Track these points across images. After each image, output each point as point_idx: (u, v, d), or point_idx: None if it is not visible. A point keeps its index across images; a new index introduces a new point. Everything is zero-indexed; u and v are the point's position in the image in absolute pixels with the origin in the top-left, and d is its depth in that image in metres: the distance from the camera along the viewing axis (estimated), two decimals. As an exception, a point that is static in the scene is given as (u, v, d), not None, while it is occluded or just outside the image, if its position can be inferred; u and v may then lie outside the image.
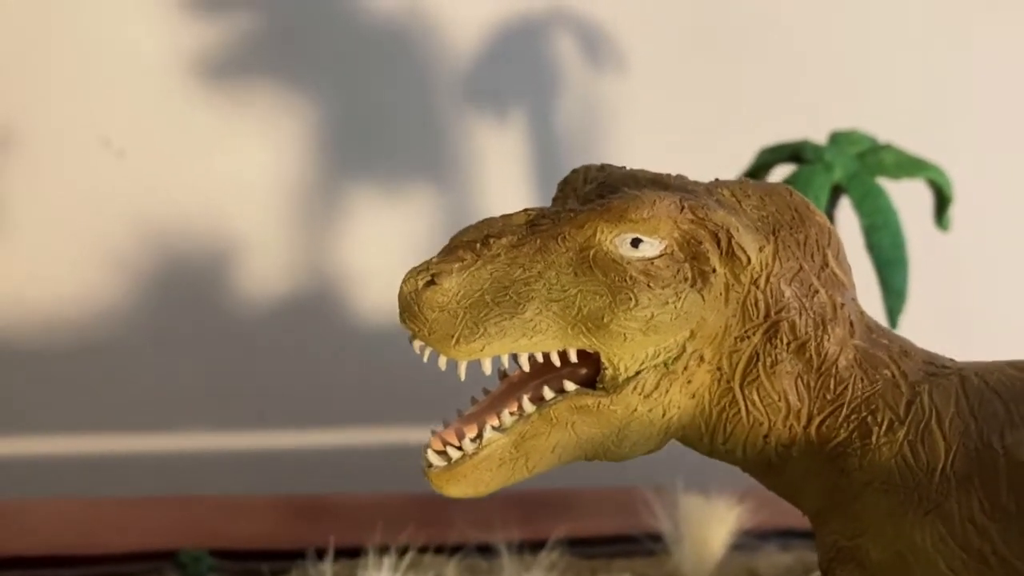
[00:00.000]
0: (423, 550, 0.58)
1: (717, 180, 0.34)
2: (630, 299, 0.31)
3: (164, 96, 0.90)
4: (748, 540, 0.66)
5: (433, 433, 0.34)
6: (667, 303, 0.31)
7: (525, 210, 0.33)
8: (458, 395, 1.09)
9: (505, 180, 0.97)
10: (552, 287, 0.32)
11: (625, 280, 0.31)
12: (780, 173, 0.60)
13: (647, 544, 0.68)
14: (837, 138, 0.57)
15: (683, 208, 0.32)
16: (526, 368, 0.33)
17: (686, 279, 0.32)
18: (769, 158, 0.59)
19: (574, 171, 0.35)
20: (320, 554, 0.67)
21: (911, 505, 0.30)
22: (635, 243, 0.32)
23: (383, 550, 0.55)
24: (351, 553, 0.64)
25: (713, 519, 0.64)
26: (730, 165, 0.96)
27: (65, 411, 0.92)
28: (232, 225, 0.93)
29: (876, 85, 0.98)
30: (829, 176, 0.54)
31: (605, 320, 0.31)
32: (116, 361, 0.92)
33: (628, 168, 0.34)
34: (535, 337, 0.32)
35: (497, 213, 1.02)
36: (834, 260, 0.33)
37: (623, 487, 0.68)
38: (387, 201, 0.96)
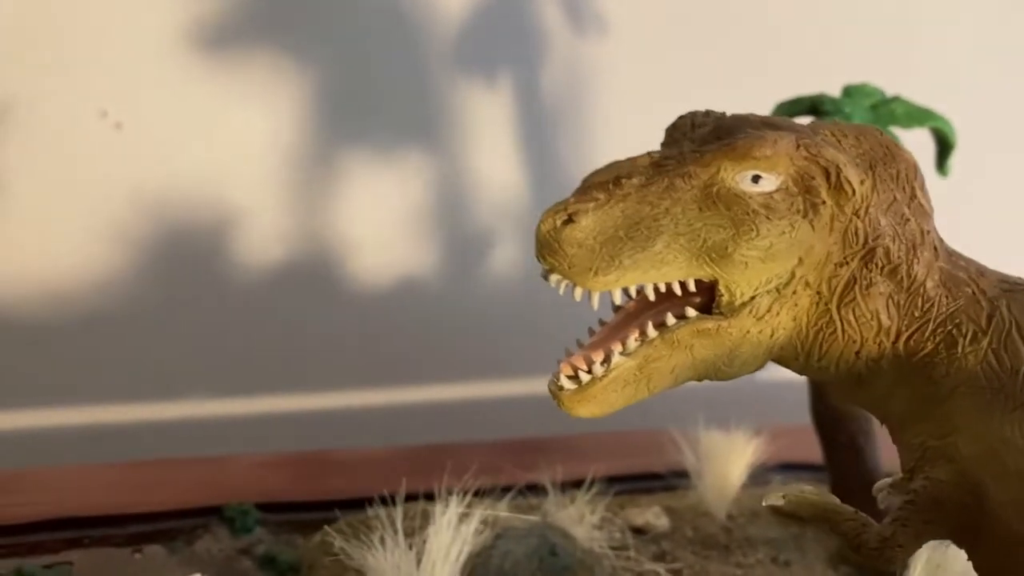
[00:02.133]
0: (478, 493, 0.61)
1: (815, 122, 0.38)
2: (752, 230, 0.35)
3: (160, 67, 0.90)
4: (762, 472, 0.71)
5: (562, 360, 0.37)
6: (783, 233, 0.35)
7: (648, 153, 0.37)
8: (455, 353, 1.12)
9: (495, 144, 1.00)
10: (679, 222, 0.35)
11: (747, 213, 0.35)
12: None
13: (672, 480, 0.73)
14: (851, 91, 0.62)
15: (799, 146, 0.35)
16: (651, 298, 0.36)
17: (799, 211, 0.35)
18: (786, 111, 0.62)
19: (681, 117, 0.38)
20: (359, 504, 0.70)
21: (998, 404, 0.35)
22: (755, 179, 0.35)
23: (448, 492, 0.58)
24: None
25: (732, 454, 0.69)
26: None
27: (69, 382, 0.93)
28: (230, 194, 0.94)
29: (857, 47, 1.03)
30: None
31: (728, 250, 0.35)
32: (119, 331, 0.93)
33: (733, 113, 0.38)
34: (663, 268, 0.35)
35: (487, 175, 1.05)
36: (920, 192, 0.37)
37: (650, 429, 0.72)
38: (382, 167, 0.98)
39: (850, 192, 0.36)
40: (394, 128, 0.97)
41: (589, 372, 0.37)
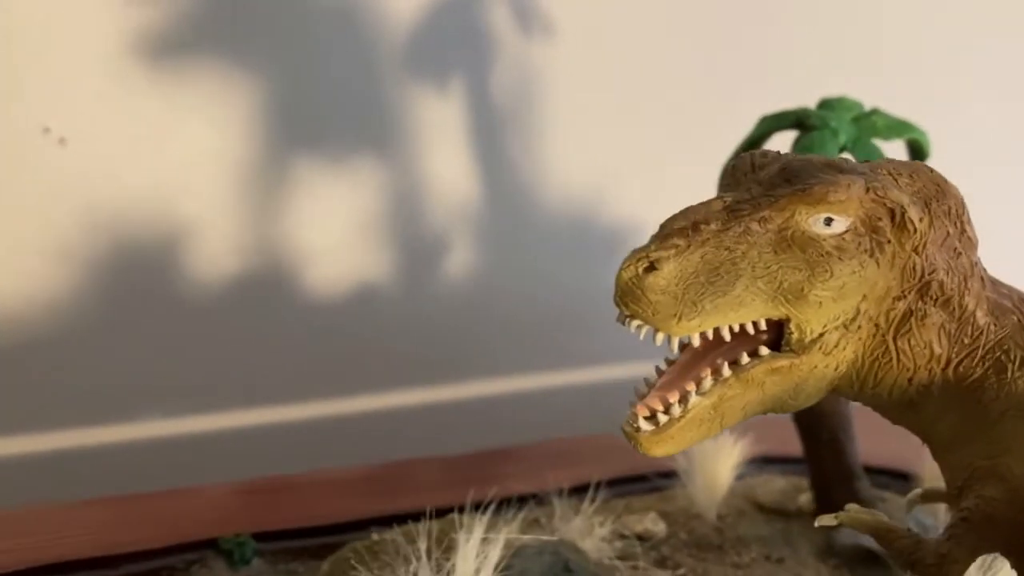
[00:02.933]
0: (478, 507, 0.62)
1: (873, 162, 0.39)
2: (826, 271, 0.36)
3: (104, 80, 0.87)
4: (748, 469, 0.73)
5: (634, 403, 0.38)
6: (854, 272, 0.37)
7: (720, 197, 0.37)
8: (408, 367, 1.12)
9: (447, 148, 0.99)
10: (756, 265, 0.36)
11: (821, 255, 0.36)
12: (780, 140, 0.65)
13: (661, 482, 0.75)
14: (832, 104, 0.64)
15: (868, 189, 0.37)
16: (727, 338, 0.37)
17: (867, 250, 0.37)
18: (772, 125, 0.64)
19: (740, 158, 0.39)
20: (359, 526, 0.69)
21: None
22: (828, 221, 0.37)
23: (460, 509, 0.58)
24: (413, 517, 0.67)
25: (720, 454, 0.71)
26: (654, 127, 1.03)
27: (15, 410, 0.89)
28: (181, 208, 0.92)
29: (808, 53, 1.06)
30: (836, 141, 0.61)
31: (804, 291, 0.36)
32: (69, 354, 0.90)
33: (787, 152, 0.39)
34: (741, 310, 0.36)
35: (439, 180, 1.04)
36: (968, 225, 0.39)
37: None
38: (335, 175, 0.96)
39: (912, 230, 0.37)
40: (345, 136, 0.96)
41: (666, 413, 0.38)
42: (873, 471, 0.73)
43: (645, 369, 1.18)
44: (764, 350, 0.38)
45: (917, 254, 0.38)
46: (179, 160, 0.91)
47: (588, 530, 0.64)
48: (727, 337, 0.37)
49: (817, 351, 0.38)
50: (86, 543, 0.65)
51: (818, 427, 0.70)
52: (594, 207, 1.05)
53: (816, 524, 0.42)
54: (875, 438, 0.72)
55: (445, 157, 0.99)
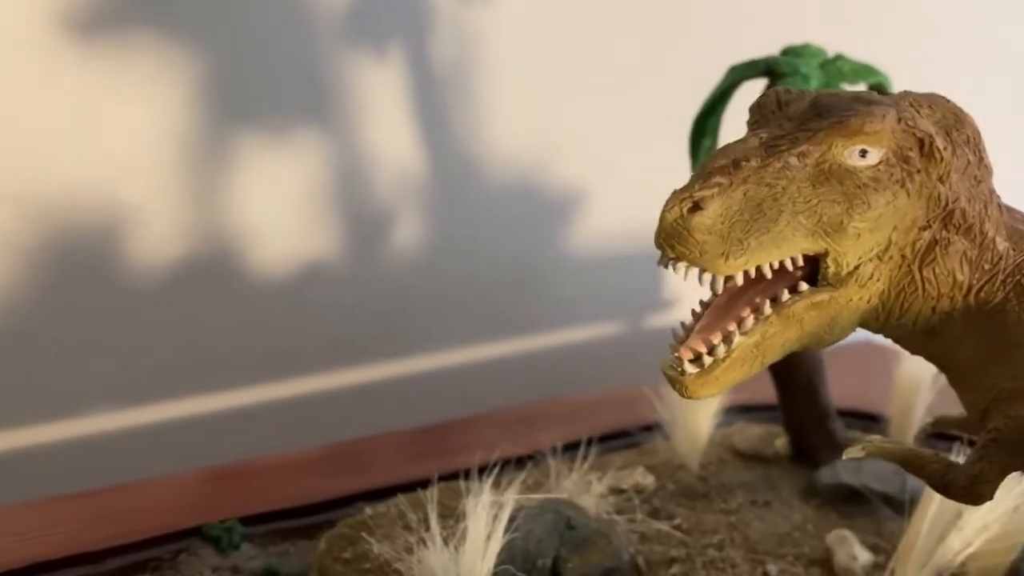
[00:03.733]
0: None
1: (896, 94, 0.40)
2: (864, 203, 0.37)
3: (29, 61, 0.82)
4: (724, 419, 0.74)
5: (674, 347, 0.38)
6: (888, 203, 0.37)
7: (755, 134, 0.37)
8: (360, 343, 1.11)
9: (389, 119, 0.98)
10: (796, 200, 0.36)
11: (858, 187, 0.37)
12: (748, 90, 0.66)
13: (642, 436, 0.75)
14: (798, 51, 0.65)
15: (899, 119, 0.37)
16: (769, 276, 0.37)
17: (898, 181, 0.37)
18: (742, 74, 0.65)
19: (765, 95, 0.39)
20: (345, 503, 0.68)
21: None
22: (863, 153, 0.37)
23: (465, 475, 0.57)
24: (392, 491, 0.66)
25: (699, 405, 0.72)
26: (596, 94, 1.03)
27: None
28: (119, 193, 0.88)
29: (751, 17, 1.07)
30: (808, 87, 0.61)
31: (843, 223, 0.37)
32: (11, 349, 0.86)
33: (814, 90, 0.39)
34: (784, 246, 0.36)
35: (383, 151, 1.03)
36: (984, 153, 0.40)
37: (622, 387, 0.74)
38: (276, 152, 0.94)
39: (938, 159, 0.38)
40: (287, 111, 0.94)
41: (711, 355, 0.38)
42: (842, 413, 0.75)
43: (594, 332, 1.18)
44: (804, 285, 0.38)
45: (942, 183, 0.39)
46: (115, 142, 0.87)
47: (584, 487, 0.64)
48: (768, 274, 0.37)
49: (853, 283, 0.38)
50: (67, 541, 0.62)
51: (794, 373, 0.71)
52: (538, 175, 1.05)
53: (844, 456, 0.43)
54: (843, 381, 0.75)
55: (388, 129, 0.97)
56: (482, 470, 0.60)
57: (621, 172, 1.06)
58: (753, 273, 0.37)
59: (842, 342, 0.43)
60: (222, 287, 0.94)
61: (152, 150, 0.88)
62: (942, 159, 0.38)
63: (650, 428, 0.74)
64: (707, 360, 0.38)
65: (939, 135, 0.38)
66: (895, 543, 0.64)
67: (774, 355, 0.39)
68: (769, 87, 0.64)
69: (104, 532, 0.64)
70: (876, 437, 0.44)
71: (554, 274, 1.08)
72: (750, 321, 0.38)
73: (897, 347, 0.43)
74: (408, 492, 0.66)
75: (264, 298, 0.96)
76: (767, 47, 0.68)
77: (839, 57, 0.64)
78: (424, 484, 0.67)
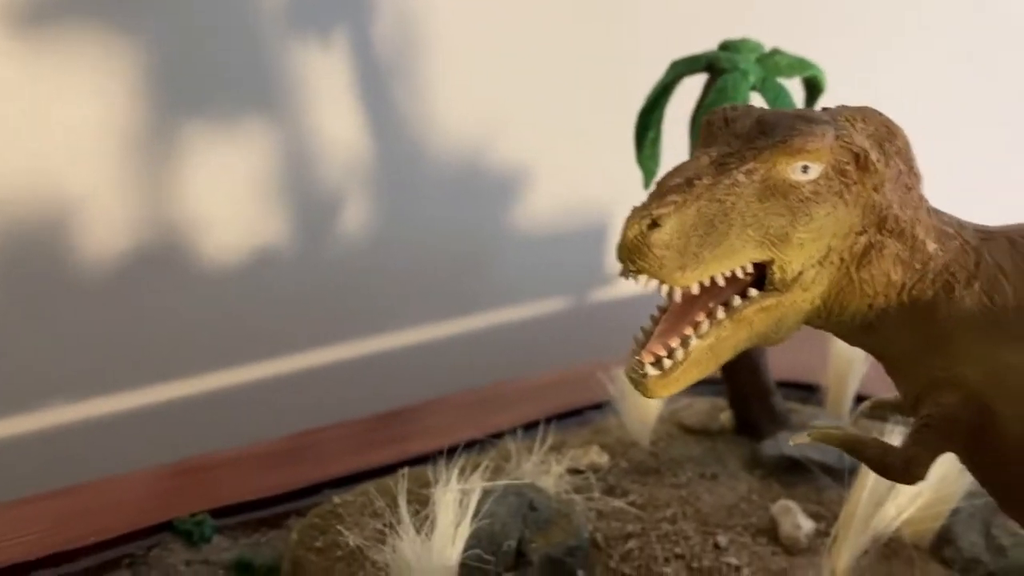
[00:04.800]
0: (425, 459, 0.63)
1: (831, 109, 0.43)
2: (807, 215, 0.40)
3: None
4: (671, 396, 0.78)
5: (636, 351, 0.41)
6: (828, 213, 0.40)
7: (705, 152, 0.40)
8: (313, 328, 1.12)
9: (334, 104, 0.98)
10: (744, 214, 0.39)
11: (801, 200, 0.40)
12: (691, 84, 0.69)
13: (593, 415, 0.79)
14: (736, 46, 0.67)
15: (837, 136, 0.40)
16: (722, 284, 0.40)
17: (837, 192, 0.40)
18: (683, 69, 0.67)
19: (713, 113, 0.42)
20: (313, 491, 0.70)
21: (996, 334, 0.42)
22: (804, 169, 0.40)
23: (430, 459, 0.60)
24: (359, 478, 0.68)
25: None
26: (539, 72, 1.05)
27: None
28: (66, 185, 0.88)
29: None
30: (747, 82, 0.64)
31: (788, 234, 0.40)
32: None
33: (757, 106, 0.42)
34: (734, 257, 0.39)
35: (329, 136, 1.03)
36: (913, 162, 0.43)
37: (573, 367, 0.77)
38: (223, 140, 0.94)
39: (873, 171, 0.41)
40: (232, 98, 0.94)
41: (670, 357, 0.40)
42: (782, 385, 0.79)
43: (541, 309, 1.20)
44: (753, 291, 0.41)
45: (876, 192, 0.42)
46: (61, 136, 0.87)
47: (543, 469, 0.67)
48: (721, 282, 0.40)
49: (797, 287, 0.41)
50: (36, 542, 0.63)
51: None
52: (483, 155, 1.06)
53: (791, 442, 0.47)
54: (782, 355, 0.78)
55: (334, 114, 0.98)
56: (447, 453, 0.63)
57: (565, 151, 1.09)
58: (707, 282, 0.40)
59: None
60: (173, 277, 0.95)
61: (98, 140, 0.88)
62: (876, 171, 0.41)
63: (601, 406, 0.77)
64: (667, 363, 0.41)
65: (873, 148, 0.41)
66: (835, 510, 0.68)
67: (727, 355, 0.42)
68: (709, 82, 0.67)
69: (75, 531, 0.65)
70: (820, 422, 0.47)
71: (501, 253, 1.10)
72: (705, 325, 0.41)
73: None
74: (373, 479, 0.68)
75: (216, 286, 0.97)
76: (708, 38, 0.71)
77: (776, 52, 0.67)
78: (388, 471, 0.70)
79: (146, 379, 0.95)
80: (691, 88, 0.69)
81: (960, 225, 0.44)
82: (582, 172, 1.10)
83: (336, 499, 0.66)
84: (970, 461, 0.45)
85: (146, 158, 0.91)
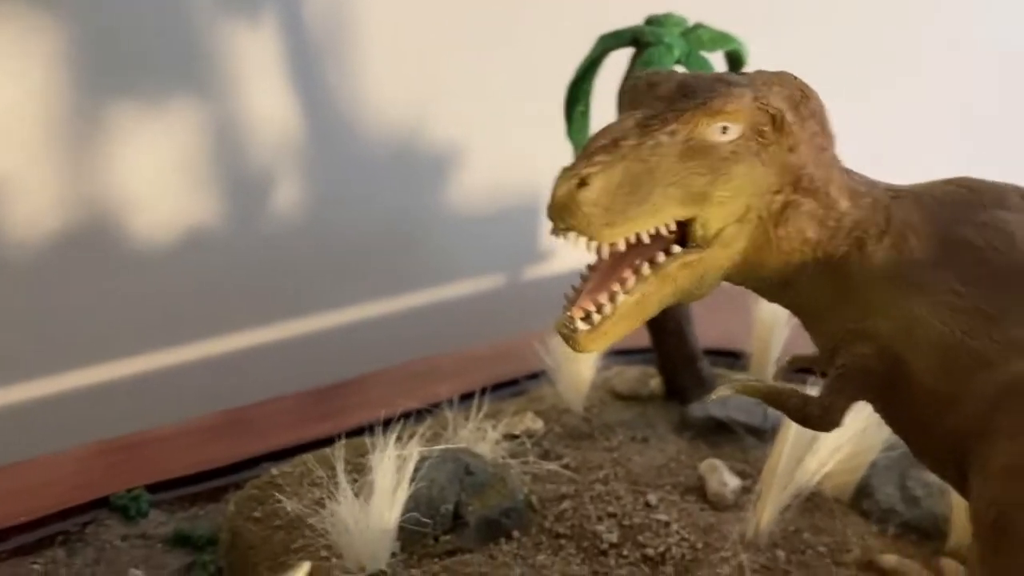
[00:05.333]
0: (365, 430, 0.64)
1: (749, 73, 0.44)
2: (726, 174, 0.42)
3: None
4: (604, 363, 0.80)
5: (567, 307, 0.42)
6: (747, 173, 0.42)
7: (631, 114, 0.42)
8: (247, 308, 1.11)
9: (263, 81, 0.98)
10: (667, 173, 0.41)
11: (721, 160, 0.41)
12: (618, 57, 0.70)
13: (529, 384, 0.80)
14: (661, 20, 0.69)
15: (755, 98, 0.42)
16: (647, 241, 0.42)
17: (755, 152, 0.42)
18: (610, 43, 0.69)
19: (636, 78, 0.43)
20: (250, 464, 0.71)
21: (906, 287, 0.44)
22: (724, 129, 0.42)
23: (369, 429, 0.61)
24: (295, 451, 0.69)
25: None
26: (470, 50, 1.06)
27: None
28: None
29: None
30: (672, 56, 0.66)
31: (708, 193, 0.41)
32: None
33: (680, 71, 0.44)
34: (658, 215, 0.41)
35: (259, 114, 1.03)
36: (827, 124, 0.45)
37: (509, 340, 0.78)
38: (150, 118, 0.93)
39: (788, 132, 0.43)
40: (158, 76, 0.93)
41: (599, 312, 0.42)
42: (708, 353, 0.81)
43: (477, 285, 1.22)
44: (676, 248, 0.43)
45: (792, 152, 0.44)
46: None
47: (480, 436, 0.68)
48: (646, 239, 0.42)
49: (718, 244, 0.43)
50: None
51: (665, 319, 0.77)
52: (415, 132, 1.07)
53: (714, 396, 0.49)
54: (707, 323, 0.81)
55: (263, 91, 0.98)
56: (385, 424, 0.64)
57: (496, 128, 1.10)
58: (633, 239, 0.41)
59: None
60: (103, 257, 0.94)
61: (20, 120, 0.87)
62: (791, 132, 0.43)
63: (537, 376, 0.79)
64: (596, 318, 0.42)
65: (788, 110, 0.43)
66: (760, 468, 0.71)
67: (652, 310, 0.44)
68: (635, 56, 0.69)
69: (6, 510, 0.65)
70: (741, 376, 0.49)
71: (435, 231, 1.11)
72: (632, 281, 0.43)
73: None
74: (312, 451, 0.69)
75: (147, 267, 0.96)
76: (634, 13, 0.73)
77: (699, 26, 0.69)
78: (326, 443, 0.70)
79: (78, 360, 0.94)
80: (619, 62, 0.71)
81: (871, 184, 0.47)
82: (514, 150, 1.12)
83: (274, 471, 0.67)
84: (884, 410, 0.47)
85: (72, 137, 0.90)
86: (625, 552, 0.62)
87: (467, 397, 0.75)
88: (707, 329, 0.80)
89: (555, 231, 0.41)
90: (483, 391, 0.72)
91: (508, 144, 1.10)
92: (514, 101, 1.08)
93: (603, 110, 0.72)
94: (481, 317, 1.11)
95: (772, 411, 0.76)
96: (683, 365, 0.79)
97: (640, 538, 0.63)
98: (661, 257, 0.43)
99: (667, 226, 0.42)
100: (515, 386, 0.80)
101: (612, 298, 0.42)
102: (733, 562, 0.61)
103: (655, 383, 0.81)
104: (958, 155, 1.38)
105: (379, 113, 1.04)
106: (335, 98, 1.02)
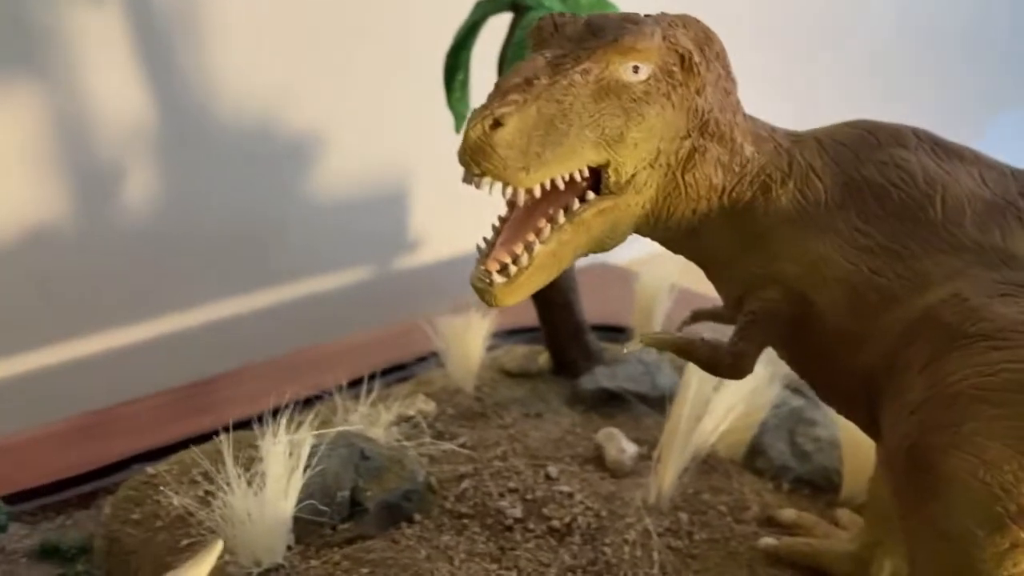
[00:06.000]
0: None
1: (655, 15, 0.43)
2: (639, 114, 0.40)
3: None
4: (492, 343, 0.78)
5: (481, 261, 0.40)
6: (659, 114, 0.41)
7: (540, 53, 0.40)
8: (101, 309, 1.06)
9: (109, 64, 0.92)
10: (581, 115, 0.39)
11: (633, 100, 0.40)
12: (498, 23, 0.69)
13: (417, 368, 0.78)
14: (541, -15, 0.68)
15: (664, 37, 0.41)
16: (561, 187, 0.40)
17: (665, 94, 0.42)
18: (488, 9, 0.67)
19: (542, 19, 0.42)
20: (121, 467, 0.66)
21: (811, 229, 0.45)
22: (635, 69, 0.40)
23: (259, 420, 0.57)
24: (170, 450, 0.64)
25: (469, 333, 0.75)
26: (329, 36, 1.02)
27: None
28: None
29: None
30: (553, 20, 0.65)
31: (623, 134, 0.40)
32: None
33: (594, 12, 0.42)
34: (574, 158, 0.40)
35: (105, 99, 0.97)
36: (730, 68, 0.45)
37: (393, 325, 0.75)
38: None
39: (696, 73, 0.43)
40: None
41: (515, 264, 0.40)
42: (593, 329, 0.81)
43: (346, 275, 1.18)
44: (591, 195, 0.42)
45: (699, 95, 0.43)
46: None
47: (372, 420, 0.65)
48: (561, 186, 0.40)
49: (631, 190, 0.42)
50: None
51: (553, 292, 0.76)
52: (274, 119, 1.03)
53: (625, 350, 0.48)
54: (590, 301, 0.80)
55: (108, 74, 0.92)
56: (273, 414, 0.60)
57: (358, 116, 1.07)
58: (548, 185, 0.40)
59: (585, 265, 0.47)
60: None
61: None
62: (699, 73, 0.43)
63: (425, 359, 0.77)
64: (512, 269, 0.40)
65: (695, 51, 0.43)
66: (654, 435, 0.71)
67: (567, 260, 0.42)
68: (515, 20, 0.68)
69: None
70: (651, 331, 0.48)
71: (301, 222, 1.07)
72: (547, 231, 0.41)
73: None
74: (188, 449, 0.64)
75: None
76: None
77: (577, -10, 0.68)
78: (205, 438, 0.66)
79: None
80: (498, 28, 0.69)
81: (771, 129, 0.47)
82: (375, 138, 1.09)
83: (150, 469, 0.62)
84: (792, 354, 0.47)
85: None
86: (531, 526, 0.61)
87: (355, 384, 0.72)
88: (589, 306, 0.80)
89: (467, 177, 0.39)
90: (371, 376, 0.70)
91: (369, 132, 1.07)
92: (376, 88, 1.05)
93: (482, 80, 0.71)
94: (353, 307, 1.08)
95: (661, 378, 0.77)
96: (571, 338, 0.79)
97: (544, 511, 0.62)
98: (576, 204, 0.41)
99: (581, 172, 0.41)
100: (403, 371, 0.77)
101: (528, 248, 0.41)
102: (638, 527, 0.61)
103: (543, 359, 0.80)
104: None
105: (236, 102, 1.00)
106: (188, 86, 0.97)
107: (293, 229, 1.07)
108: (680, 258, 0.48)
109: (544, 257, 0.41)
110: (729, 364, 0.46)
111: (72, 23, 0.88)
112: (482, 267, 0.41)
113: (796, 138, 0.46)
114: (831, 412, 0.68)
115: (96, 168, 0.92)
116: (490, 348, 0.78)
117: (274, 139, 1.03)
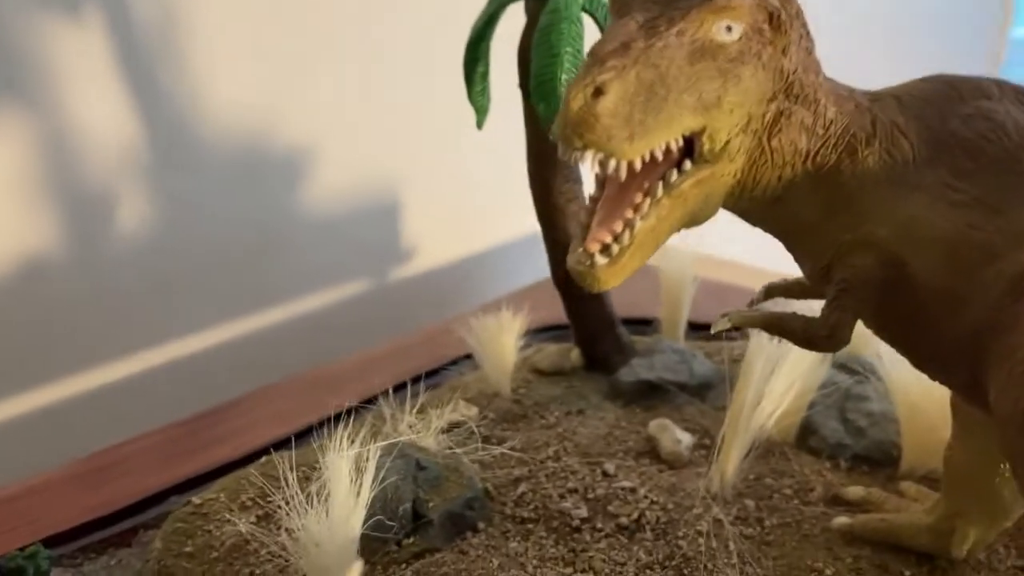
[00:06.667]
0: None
1: None
2: (736, 77, 0.39)
3: None
4: (525, 341, 0.76)
5: (579, 243, 0.38)
6: (753, 75, 0.39)
7: (631, 16, 0.38)
8: (98, 341, 1.02)
9: (95, 89, 0.89)
10: (678, 79, 0.38)
11: (729, 61, 0.38)
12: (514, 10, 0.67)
13: (449, 373, 0.75)
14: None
15: None
16: (660, 158, 0.38)
17: (756, 54, 0.40)
18: (506, -2, 0.65)
19: None
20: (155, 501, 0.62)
21: (901, 189, 0.43)
22: (728, 29, 0.39)
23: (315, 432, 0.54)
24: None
25: (503, 332, 0.73)
26: (311, 44, 0.99)
27: None
28: None
29: None
30: (579, 2, 0.63)
31: (719, 98, 0.38)
32: None
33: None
34: (673, 126, 0.38)
35: (92, 124, 0.93)
36: (808, 26, 0.43)
37: (438, 324, 0.72)
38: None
39: (784, 31, 0.41)
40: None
41: (616, 242, 0.38)
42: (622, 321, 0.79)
43: (342, 291, 1.15)
44: (688, 164, 0.40)
45: (784, 55, 0.42)
46: None
47: (420, 429, 0.62)
48: (659, 157, 0.38)
49: (725, 158, 0.40)
50: None
51: (579, 286, 0.74)
52: (263, 136, 1.00)
53: (712, 330, 0.46)
54: (615, 295, 0.79)
55: (97, 102, 0.88)
56: (319, 427, 0.57)
57: (349, 126, 1.04)
58: (648, 156, 0.38)
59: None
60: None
61: None
62: (785, 31, 0.41)
63: (456, 363, 0.74)
64: (615, 249, 0.38)
65: (783, 9, 0.41)
66: (699, 423, 0.69)
67: (664, 237, 0.40)
68: (534, 7, 0.66)
69: None
70: (735, 309, 0.47)
71: (296, 239, 1.04)
72: (646, 205, 0.39)
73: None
74: (226, 475, 0.61)
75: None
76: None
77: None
78: (243, 462, 0.63)
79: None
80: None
81: (850, 89, 0.45)
82: (368, 149, 1.06)
83: (195, 499, 0.59)
84: (884, 322, 0.46)
85: None
86: (599, 525, 0.59)
87: (397, 391, 0.69)
88: (614, 299, 0.78)
89: (567, 153, 0.37)
90: (416, 379, 0.67)
91: (361, 144, 1.05)
92: (366, 97, 1.02)
93: (502, 72, 0.69)
94: (355, 322, 1.05)
95: (697, 367, 0.75)
96: (603, 332, 0.77)
97: (610, 508, 0.60)
98: (675, 175, 0.39)
99: (676, 141, 0.39)
100: (435, 377, 0.74)
101: (629, 225, 0.38)
102: (708, 517, 0.59)
103: (575, 356, 0.78)
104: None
105: (225, 119, 0.96)
106: (176, 106, 0.94)
107: (290, 245, 1.03)
108: (694, 250, 0.47)
109: (644, 234, 0.39)
110: (826, 336, 0.44)
111: (56, 48, 0.84)
112: (581, 249, 0.39)
113: (875, 96, 0.45)
114: (882, 386, 0.67)
115: (86, 193, 0.88)
116: (525, 347, 0.76)
117: (261, 156, 1.00)
